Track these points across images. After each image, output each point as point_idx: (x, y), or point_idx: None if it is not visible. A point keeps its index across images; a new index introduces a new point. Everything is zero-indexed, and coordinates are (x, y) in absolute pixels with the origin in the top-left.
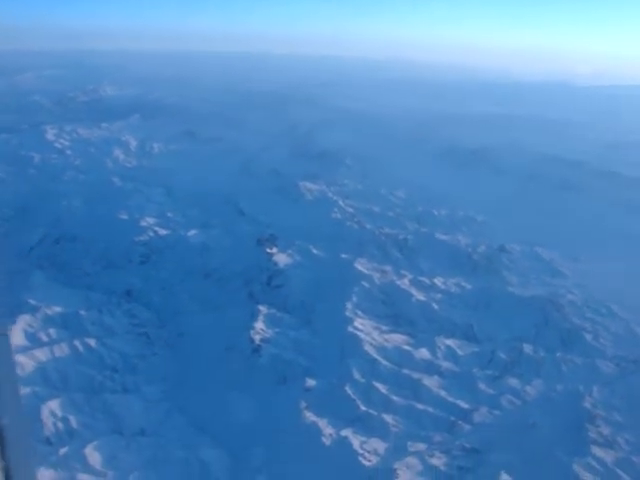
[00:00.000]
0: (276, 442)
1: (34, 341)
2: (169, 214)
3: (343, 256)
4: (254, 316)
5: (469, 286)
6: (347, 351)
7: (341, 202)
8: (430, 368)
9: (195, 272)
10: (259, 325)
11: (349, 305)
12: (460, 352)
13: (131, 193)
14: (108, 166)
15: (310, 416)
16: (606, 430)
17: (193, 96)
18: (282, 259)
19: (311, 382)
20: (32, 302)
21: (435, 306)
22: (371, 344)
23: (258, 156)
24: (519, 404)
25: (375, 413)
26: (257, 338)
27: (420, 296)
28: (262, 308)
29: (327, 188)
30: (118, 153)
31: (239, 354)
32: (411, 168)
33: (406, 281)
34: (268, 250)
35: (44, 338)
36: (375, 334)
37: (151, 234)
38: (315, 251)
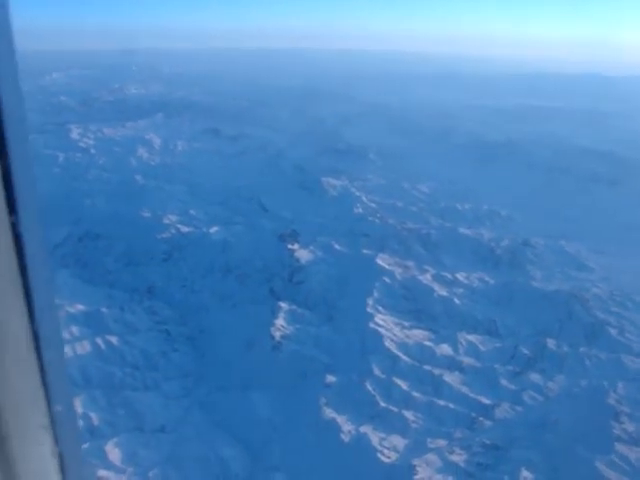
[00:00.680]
0: (295, 439)
1: None
2: (192, 211)
3: (365, 252)
4: (275, 312)
5: (492, 281)
6: (368, 347)
7: (364, 197)
8: (451, 364)
9: (216, 269)
10: (280, 321)
11: (370, 301)
12: (482, 348)
13: (154, 191)
14: (132, 164)
15: (329, 412)
16: (631, 427)
17: (218, 93)
18: (304, 255)
19: (331, 378)
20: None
21: (457, 301)
22: (392, 340)
23: (283, 152)
24: (541, 400)
25: (395, 409)
26: (277, 334)
27: (442, 291)
28: (283, 304)
29: (350, 183)
30: (142, 151)
31: (259, 350)
32: (436, 162)
33: (428, 276)
34: (290, 246)
35: (66, 336)
36: (396, 330)
37: (173, 231)
38: (337, 247)
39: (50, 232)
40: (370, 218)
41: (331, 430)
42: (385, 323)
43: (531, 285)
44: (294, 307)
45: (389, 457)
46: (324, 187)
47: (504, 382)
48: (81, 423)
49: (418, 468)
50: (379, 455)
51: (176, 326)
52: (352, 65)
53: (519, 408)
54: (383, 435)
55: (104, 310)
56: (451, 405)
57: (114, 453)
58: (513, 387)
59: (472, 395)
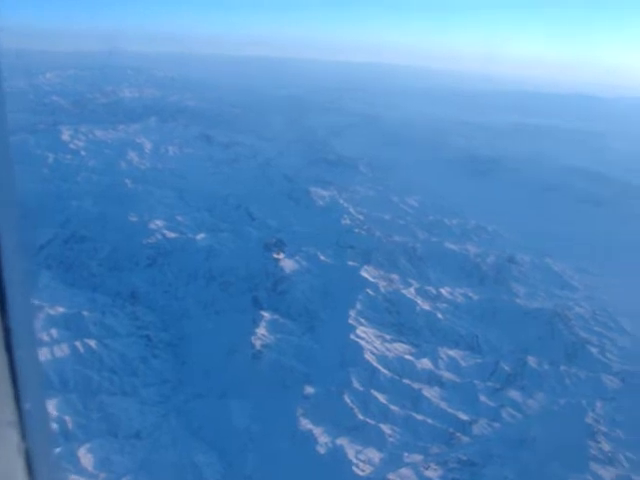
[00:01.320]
0: (270, 449)
1: None
2: (179, 217)
3: (350, 263)
4: (257, 321)
5: (476, 297)
6: (348, 359)
7: (352, 209)
8: (431, 378)
9: (200, 276)
10: (261, 331)
11: (353, 313)
12: (463, 363)
13: (142, 195)
14: (122, 168)
15: (306, 424)
16: (607, 446)
17: (212, 100)
18: (288, 265)
19: (310, 389)
20: (36, 302)
21: (440, 316)
22: (372, 353)
23: (273, 161)
24: (520, 417)
25: (372, 422)
26: (258, 343)
27: (425, 306)
28: (265, 314)
29: (338, 194)
30: (132, 155)
31: (240, 359)
32: (426, 176)
33: (412, 290)
34: (275, 255)
35: (45, 338)
36: (377, 343)
37: (159, 237)
38: (322, 257)
39: (35, 233)
40: (357, 230)
41: (307, 441)
42: (366, 335)
43: (515, 302)
44: (276, 317)
45: (364, 470)
46: (312, 197)
47: (483, 398)
48: (55, 426)
49: None
50: (354, 468)
51: (157, 332)
52: (347, 76)
53: (497, 425)
54: (359, 448)
55: (85, 313)
56: (429, 420)
57: (87, 458)
58: (492, 403)
59: (450, 410)
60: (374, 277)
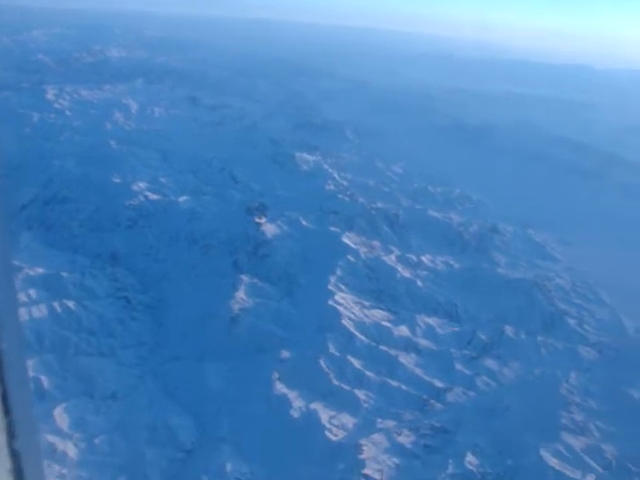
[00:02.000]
0: (244, 412)
1: None
2: (162, 179)
3: (332, 229)
4: (236, 285)
5: (457, 265)
6: (325, 325)
7: (336, 174)
8: (408, 346)
9: (182, 238)
10: (240, 294)
11: (332, 279)
12: (440, 331)
13: (126, 157)
14: (106, 129)
15: (281, 388)
16: (579, 417)
17: (201, 61)
18: (270, 229)
19: (286, 354)
20: (15, 263)
21: (420, 284)
22: (350, 319)
23: (259, 125)
24: (494, 386)
25: (347, 388)
26: (236, 307)
27: (405, 273)
28: (245, 277)
29: (324, 160)
30: (118, 116)
31: (217, 322)
32: (413, 143)
33: (393, 257)
34: (257, 219)
35: (23, 299)
36: (356, 309)
37: (142, 198)
38: (304, 223)
39: (17, 193)
40: (340, 196)
41: (281, 405)
42: (345, 301)
43: (495, 272)
44: (256, 281)
45: (337, 435)
46: (297, 162)
47: (459, 366)
48: (31, 386)
49: (364, 447)
50: (327, 433)
51: (136, 294)
52: (342, 41)
53: (471, 393)
54: (333, 413)
55: (64, 274)
56: (404, 386)
57: (62, 418)
58: (467, 372)
59: (426, 377)
60: (355, 243)
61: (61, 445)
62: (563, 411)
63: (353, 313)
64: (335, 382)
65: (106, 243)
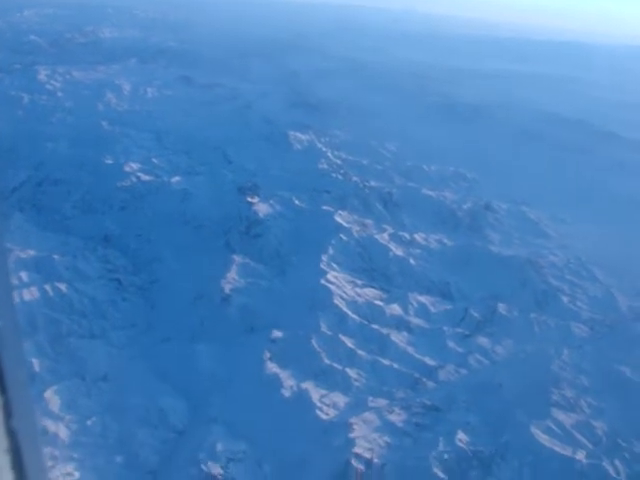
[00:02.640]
0: (236, 392)
1: None
2: (155, 160)
3: (325, 208)
4: (228, 265)
5: (450, 243)
6: (317, 304)
7: (330, 153)
8: (400, 324)
9: (174, 219)
10: (231, 274)
11: (325, 258)
12: (433, 309)
13: (119, 138)
14: (99, 110)
15: (272, 367)
16: (570, 393)
17: (195, 41)
18: (262, 209)
19: (277, 333)
20: (7, 245)
21: (412, 262)
22: (342, 298)
23: (253, 104)
24: (487, 364)
25: (339, 367)
26: (228, 287)
27: (398, 251)
28: (237, 257)
29: (317, 138)
30: (111, 97)
31: (209, 303)
32: (407, 121)
33: (385, 235)
34: (249, 199)
35: (15, 282)
36: (348, 288)
37: (134, 179)
38: (297, 202)
39: (9, 175)
40: (334, 174)
41: (273, 385)
42: (337, 280)
43: (488, 249)
44: (248, 260)
45: (328, 414)
46: (290, 141)
47: (451, 344)
48: (27, 366)
49: (355, 426)
50: (318, 412)
51: (128, 275)
52: (333, 19)
53: (464, 371)
54: (324, 392)
55: (56, 257)
56: (396, 365)
57: (53, 400)
58: (460, 349)
59: (418, 356)
60: (348, 222)
61: (52, 427)
62: (554, 388)
63: (345, 292)
64: (326, 361)
65: (98, 225)
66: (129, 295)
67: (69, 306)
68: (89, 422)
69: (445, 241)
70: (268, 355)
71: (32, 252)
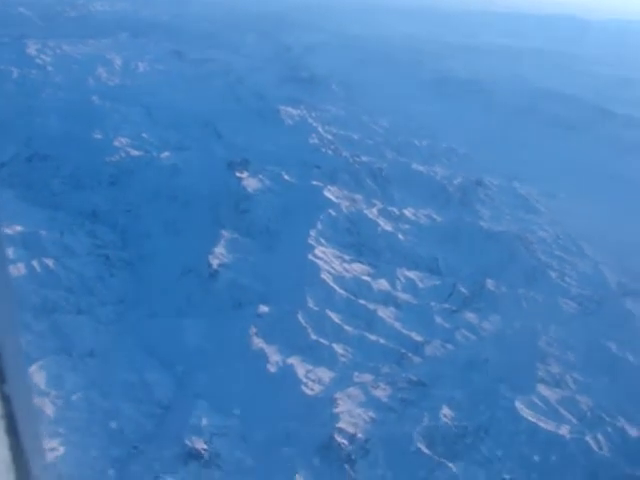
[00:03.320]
0: (221, 367)
1: None
2: (144, 135)
3: (314, 183)
4: (216, 240)
5: (440, 218)
6: (305, 279)
7: (320, 128)
8: (387, 299)
9: (163, 194)
10: (219, 250)
11: (313, 233)
12: (420, 284)
13: (109, 113)
14: (89, 84)
15: (258, 342)
16: (556, 369)
17: (187, 15)
18: (252, 184)
19: (264, 308)
20: None
21: (401, 237)
22: (329, 273)
23: (245, 79)
24: (474, 339)
25: (325, 342)
26: (215, 262)
27: (387, 226)
28: (225, 233)
29: (308, 113)
30: (101, 71)
31: (196, 278)
32: (400, 96)
33: (375, 211)
34: (238, 174)
35: None
36: (336, 263)
37: (123, 155)
38: (287, 177)
39: None
40: (324, 149)
41: (258, 360)
42: (325, 255)
43: (478, 225)
44: (236, 236)
45: (313, 389)
46: (281, 116)
47: (439, 320)
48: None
49: (340, 401)
50: (303, 387)
51: (116, 251)
52: None
53: (450, 346)
54: (310, 367)
55: (43, 232)
56: (382, 340)
57: (39, 375)
58: (447, 325)
59: (404, 331)
60: (337, 197)
61: (38, 402)
62: (540, 364)
63: (333, 267)
64: (313, 336)
65: (87, 200)
66: (117, 271)
67: (56, 282)
68: (74, 397)
69: (435, 216)
70: (254, 330)
71: (19, 228)
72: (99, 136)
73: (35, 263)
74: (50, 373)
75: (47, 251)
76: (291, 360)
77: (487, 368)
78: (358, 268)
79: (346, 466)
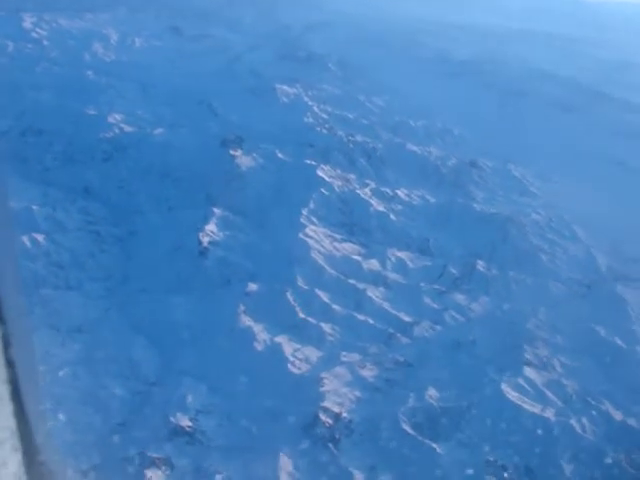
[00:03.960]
0: (208, 345)
1: None
2: (139, 111)
3: (308, 162)
4: (207, 218)
5: (432, 199)
6: (295, 258)
7: (316, 107)
8: (377, 279)
9: (155, 171)
10: (210, 227)
11: (305, 212)
12: (411, 265)
13: (104, 88)
14: (85, 59)
15: (246, 320)
16: (544, 352)
17: None
18: (245, 162)
19: (253, 287)
20: None
21: (393, 217)
22: (320, 252)
23: (242, 56)
24: (462, 321)
25: (313, 321)
26: (206, 240)
27: (379, 207)
28: (217, 210)
29: (304, 92)
30: (97, 46)
31: (186, 255)
32: (397, 76)
33: (367, 191)
34: (232, 152)
35: None
36: (326, 242)
37: (117, 131)
38: (280, 155)
39: None
40: (318, 129)
41: (246, 338)
42: (316, 235)
43: (471, 206)
44: (228, 214)
45: (299, 368)
46: (277, 94)
47: (427, 300)
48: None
49: (326, 381)
50: (289, 366)
51: (107, 227)
52: None
53: (438, 327)
54: (298, 346)
55: (35, 208)
56: (370, 320)
57: None
58: (436, 306)
59: (393, 311)
60: (330, 177)
61: None
62: (528, 346)
63: (323, 246)
64: (301, 315)
65: (80, 176)
66: (107, 247)
67: (46, 257)
68: (61, 373)
69: (427, 197)
70: (243, 308)
71: (11, 203)
72: (93, 112)
73: (25, 238)
74: (38, 348)
75: (38, 226)
76: (279, 339)
77: (474, 350)
78: (349, 248)
79: (330, 445)
